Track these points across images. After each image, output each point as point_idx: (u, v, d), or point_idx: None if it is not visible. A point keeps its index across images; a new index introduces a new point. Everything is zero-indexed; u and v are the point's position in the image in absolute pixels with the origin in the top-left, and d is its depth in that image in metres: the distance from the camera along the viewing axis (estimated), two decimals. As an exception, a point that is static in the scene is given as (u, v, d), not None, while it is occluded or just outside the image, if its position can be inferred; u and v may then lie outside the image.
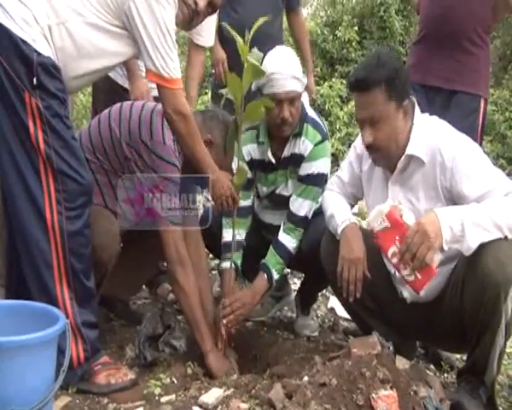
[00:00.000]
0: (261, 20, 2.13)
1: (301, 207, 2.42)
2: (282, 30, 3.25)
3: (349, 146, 8.22)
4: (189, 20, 2.00)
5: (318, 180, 2.43)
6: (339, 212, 2.14)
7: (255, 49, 2.12)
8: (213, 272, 3.42)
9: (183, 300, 2.11)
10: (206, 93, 8.31)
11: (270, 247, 2.44)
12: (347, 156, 2.30)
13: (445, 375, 2.39)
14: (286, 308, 2.95)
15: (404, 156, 1.99)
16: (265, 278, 2.38)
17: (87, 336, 1.83)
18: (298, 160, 2.44)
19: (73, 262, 1.79)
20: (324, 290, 3.09)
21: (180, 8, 1.92)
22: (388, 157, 2.01)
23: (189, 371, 2.05)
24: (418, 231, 1.77)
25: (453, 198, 1.94)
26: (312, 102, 9.00)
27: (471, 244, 1.77)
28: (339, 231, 2.07)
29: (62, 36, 1.78)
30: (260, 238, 2.62)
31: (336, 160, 7.70)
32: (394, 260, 1.85)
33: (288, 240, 2.42)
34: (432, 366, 2.42)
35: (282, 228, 2.44)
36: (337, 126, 8.28)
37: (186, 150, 2.03)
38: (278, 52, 2.37)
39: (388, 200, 1.97)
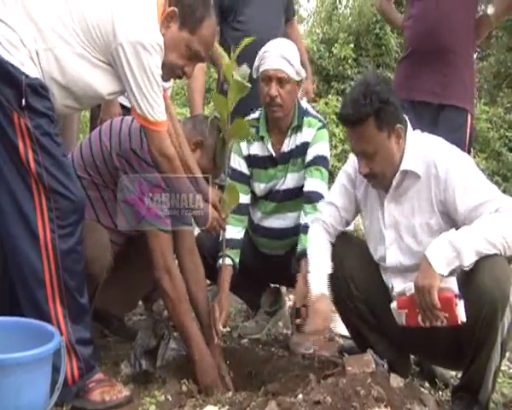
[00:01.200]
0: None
1: (315, 185, 2.45)
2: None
3: (345, 163, 8.22)
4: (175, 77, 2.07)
5: (324, 161, 2.49)
6: (315, 277, 2.15)
7: (245, 66, 2.14)
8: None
9: (170, 307, 2.11)
10: (209, 102, 8.33)
11: (300, 233, 2.41)
12: (337, 180, 2.29)
13: (440, 393, 2.39)
14: (281, 324, 2.96)
15: (398, 173, 2.01)
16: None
17: (81, 354, 1.83)
18: (301, 149, 2.51)
19: (67, 279, 1.80)
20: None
21: (166, 71, 1.94)
22: (385, 180, 2.04)
23: (184, 388, 2.05)
24: (418, 292, 1.85)
25: (447, 211, 1.96)
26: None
27: (468, 258, 1.81)
28: (311, 294, 2.13)
29: (50, 61, 1.78)
30: (255, 255, 2.64)
31: (332, 176, 7.72)
32: (427, 324, 1.92)
33: (313, 217, 2.38)
34: (426, 384, 2.42)
35: (302, 213, 2.45)
36: (333, 143, 8.33)
37: (172, 189, 2.05)
38: (278, 39, 2.50)
39: (392, 293, 2.02)
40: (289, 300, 3.17)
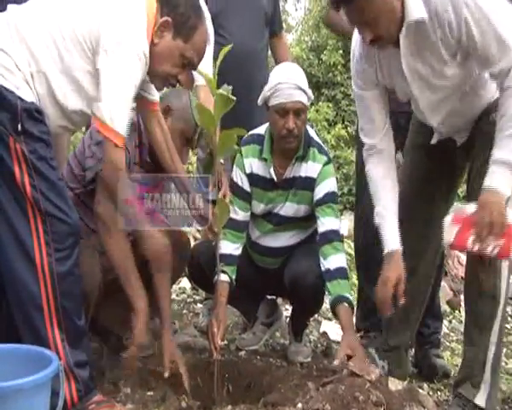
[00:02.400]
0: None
1: (331, 223, 2.44)
2: (266, 51, 3.29)
3: (337, 168, 8.29)
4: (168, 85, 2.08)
5: (334, 198, 2.49)
6: (386, 231, 2.15)
7: (225, 85, 2.14)
8: (199, 305, 3.46)
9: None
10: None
11: (326, 282, 2.36)
12: (357, 98, 2.23)
13: (439, 393, 2.42)
14: (278, 334, 2.98)
15: (404, 27, 1.92)
16: (347, 306, 2.31)
17: (80, 376, 1.84)
18: (304, 183, 2.49)
19: (64, 303, 1.81)
20: (316, 315, 3.11)
21: (160, 80, 1.98)
22: (392, 35, 1.96)
23: (184, 404, 2.05)
24: (484, 209, 1.85)
25: (468, 50, 1.91)
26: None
27: None
28: (384, 251, 2.15)
29: (43, 83, 1.80)
30: (251, 267, 2.67)
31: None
32: (476, 247, 1.88)
33: (334, 260, 2.38)
34: (425, 385, 2.45)
35: (322, 257, 2.40)
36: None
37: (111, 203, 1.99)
38: (285, 65, 2.46)
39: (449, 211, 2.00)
40: (286, 310, 3.19)
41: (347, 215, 5.00)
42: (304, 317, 2.70)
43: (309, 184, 2.48)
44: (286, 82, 2.31)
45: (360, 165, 2.93)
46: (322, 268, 2.39)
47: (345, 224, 4.72)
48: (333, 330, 3.16)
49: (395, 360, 2.41)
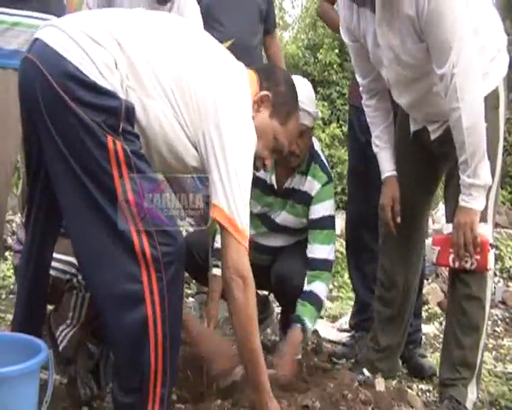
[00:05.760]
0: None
1: (322, 251, 2.41)
2: (261, 47, 3.29)
3: (331, 168, 8.31)
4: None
5: (331, 222, 2.47)
6: (381, 160, 2.34)
7: None
8: (191, 299, 3.45)
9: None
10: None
11: (299, 299, 2.34)
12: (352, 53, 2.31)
13: (428, 394, 2.42)
14: (269, 331, 2.98)
15: None
16: (299, 329, 2.30)
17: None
18: (302, 197, 2.47)
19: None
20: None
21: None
22: None
23: (174, 396, 2.03)
24: (458, 229, 1.99)
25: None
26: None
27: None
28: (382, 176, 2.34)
29: (137, 105, 1.54)
30: None
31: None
32: (456, 264, 2.07)
33: (315, 286, 2.37)
34: (414, 386, 2.46)
35: (306, 278, 2.39)
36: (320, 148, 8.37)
37: (238, 330, 1.65)
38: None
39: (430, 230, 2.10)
40: (278, 307, 3.19)
41: (340, 214, 4.99)
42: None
43: (306, 199, 2.47)
44: None
45: (352, 164, 2.96)
46: (305, 289, 2.38)
47: (337, 223, 4.71)
48: (323, 328, 3.18)
49: (385, 361, 2.42)
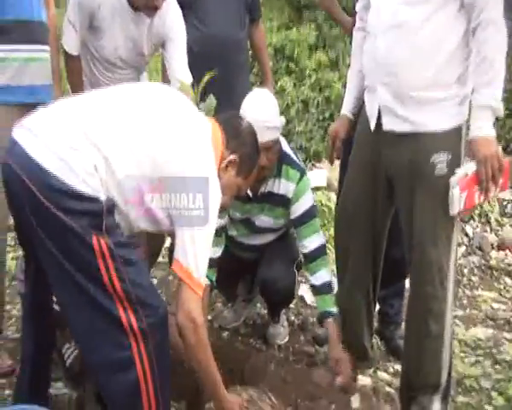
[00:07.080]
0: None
1: (312, 242, 2.51)
2: (247, 39, 3.28)
3: (319, 91, 8.26)
4: None
5: (313, 212, 2.55)
6: (345, 98, 2.43)
7: (211, 96, 2.20)
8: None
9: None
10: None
11: (316, 296, 2.52)
12: None
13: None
14: (258, 305, 3.16)
15: None
16: (331, 321, 2.45)
17: None
18: (280, 200, 2.55)
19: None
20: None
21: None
22: None
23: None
24: (485, 162, 1.91)
25: None
26: (282, 49, 8.83)
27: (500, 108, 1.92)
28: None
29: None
30: (229, 255, 2.72)
31: (307, 106, 7.76)
32: (482, 198, 2.01)
33: (320, 275, 2.48)
34: (390, 368, 2.65)
35: (309, 274, 2.54)
36: (307, 73, 8.27)
37: (194, 364, 1.83)
38: (255, 99, 2.38)
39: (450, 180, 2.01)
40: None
41: (326, 164, 4.94)
42: (277, 310, 2.86)
43: (283, 202, 2.54)
44: (255, 122, 2.12)
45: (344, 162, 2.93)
46: (310, 283, 2.53)
47: (323, 173, 4.78)
48: (309, 294, 3.28)
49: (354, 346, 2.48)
